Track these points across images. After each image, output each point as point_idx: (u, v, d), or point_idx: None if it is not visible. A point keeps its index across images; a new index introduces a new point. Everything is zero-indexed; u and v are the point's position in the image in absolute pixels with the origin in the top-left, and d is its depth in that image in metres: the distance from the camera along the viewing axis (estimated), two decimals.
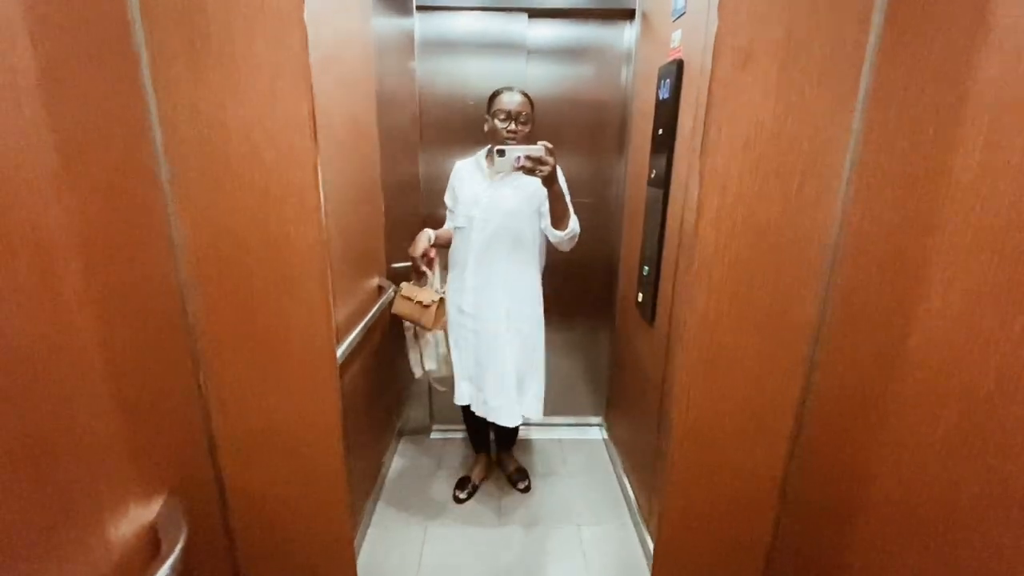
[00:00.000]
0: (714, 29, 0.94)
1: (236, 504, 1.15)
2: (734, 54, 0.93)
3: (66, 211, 0.73)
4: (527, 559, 2.07)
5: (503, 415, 2.05)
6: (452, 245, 2.17)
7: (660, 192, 1.96)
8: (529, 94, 2.00)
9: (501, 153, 1.64)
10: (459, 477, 2.46)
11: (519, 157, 1.63)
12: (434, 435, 2.94)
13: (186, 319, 1.01)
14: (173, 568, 0.82)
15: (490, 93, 2.02)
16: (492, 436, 2.53)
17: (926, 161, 0.87)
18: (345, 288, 1.86)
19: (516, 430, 2.43)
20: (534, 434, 2.95)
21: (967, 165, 0.82)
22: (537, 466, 2.66)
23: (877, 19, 0.93)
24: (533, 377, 2.14)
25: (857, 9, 0.93)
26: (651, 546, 2.00)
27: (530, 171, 1.66)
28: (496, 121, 1.94)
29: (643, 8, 2.33)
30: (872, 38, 0.94)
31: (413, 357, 2.31)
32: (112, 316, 0.81)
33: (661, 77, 1.98)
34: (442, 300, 2.10)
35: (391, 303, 2.30)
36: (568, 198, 1.95)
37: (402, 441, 2.89)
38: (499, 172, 1.86)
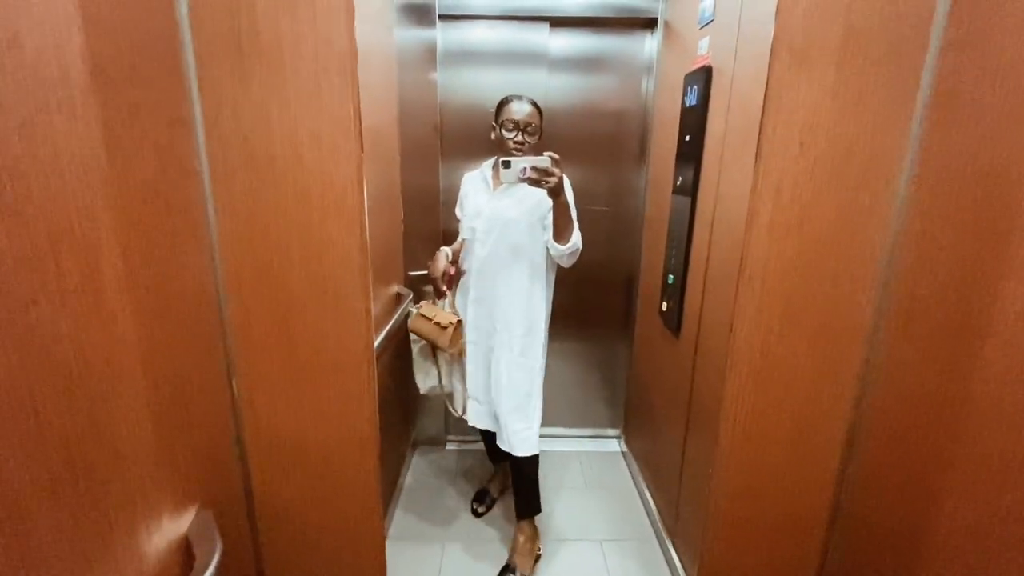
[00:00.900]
0: (763, 32, 0.92)
1: (265, 516, 1.11)
2: (790, 55, 0.91)
3: (110, 210, 0.71)
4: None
5: (504, 441, 1.98)
6: (460, 258, 2.12)
7: (687, 200, 1.93)
8: (539, 104, 1.94)
9: (507, 164, 1.61)
10: (477, 490, 2.40)
11: (525, 168, 1.59)
12: (449, 446, 2.90)
13: (222, 324, 0.99)
14: None
15: (499, 100, 1.97)
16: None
17: (998, 162, 0.84)
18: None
19: (532, 488, 2.08)
20: (550, 446, 2.89)
21: None
22: (554, 479, 2.61)
23: (941, 12, 0.91)
24: (525, 407, 1.98)
25: (918, 4, 0.91)
26: (677, 563, 1.95)
27: (536, 183, 1.62)
28: (503, 131, 1.89)
29: (666, 17, 2.33)
30: (935, 34, 0.91)
31: (419, 372, 2.22)
32: (151, 320, 0.79)
33: (688, 84, 1.96)
34: (460, 322, 2.02)
35: (407, 315, 2.27)
36: (574, 212, 1.88)
37: (417, 452, 2.85)
38: (504, 183, 1.82)
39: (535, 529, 2.12)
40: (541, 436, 2.42)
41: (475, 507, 2.31)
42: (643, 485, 2.51)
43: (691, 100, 1.93)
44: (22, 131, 0.58)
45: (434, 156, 2.56)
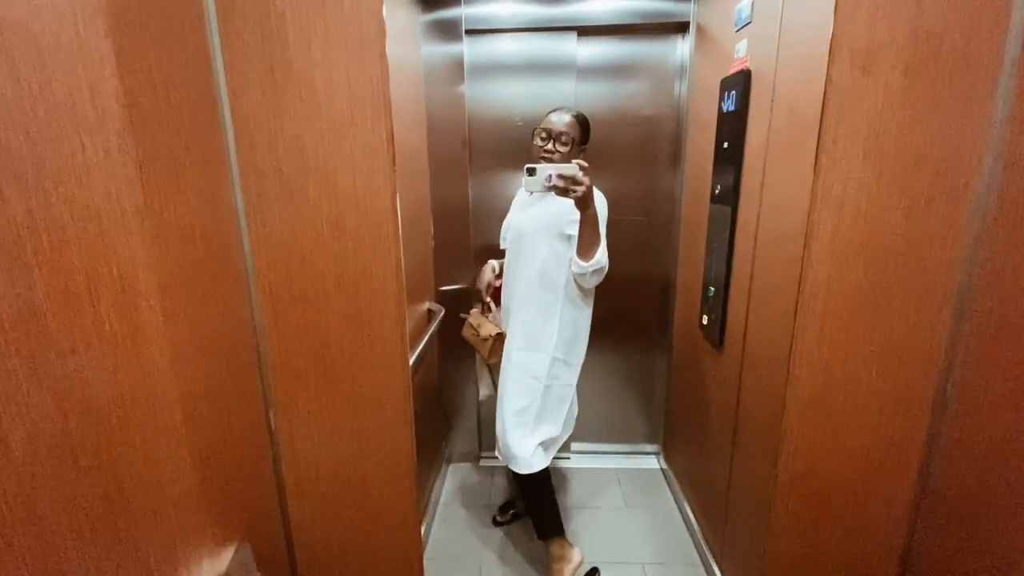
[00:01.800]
0: (818, 34, 0.85)
1: (304, 550, 1.09)
2: (853, 57, 0.84)
3: (148, 252, 0.70)
4: None
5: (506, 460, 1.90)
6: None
7: (727, 209, 1.85)
8: (583, 115, 1.88)
9: (531, 172, 1.55)
10: (503, 501, 2.38)
11: (550, 176, 1.53)
12: (483, 462, 2.85)
13: (259, 358, 0.97)
14: None
15: (544, 113, 1.90)
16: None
17: None
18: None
19: (526, 490, 1.99)
20: (585, 463, 2.82)
21: None
22: (592, 497, 2.53)
23: (1020, 6, 0.82)
24: (519, 423, 1.87)
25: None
26: None
27: (563, 191, 1.55)
28: (537, 139, 1.84)
29: (699, 20, 2.26)
30: (1014, 28, 0.83)
31: (480, 380, 2.25)
32: (190, 361, 0.78)
33: (725, 89, 1.89)
34: (500, 335, 1.98)
35: (439, 327, 2.26)
36: (603, 227, 1.77)
37: (451, 468, 2.82)
38: (529, 191, 1.70)
39: (563, 548, 1.99)
40: (576, 452, 2.34)
41: (496, 516, 2.30)
42: (686, 505, 2.41)
43: (728, 106, 1.85)
44: (58, 176, 0.57)
45: (463, 170, 2.54)
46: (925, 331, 0.97)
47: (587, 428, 2.73)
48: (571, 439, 2.50)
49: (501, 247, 2.06)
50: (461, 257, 2.64)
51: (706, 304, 2.07)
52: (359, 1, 0.83)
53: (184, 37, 0.78)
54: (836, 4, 0.84)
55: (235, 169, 0.88)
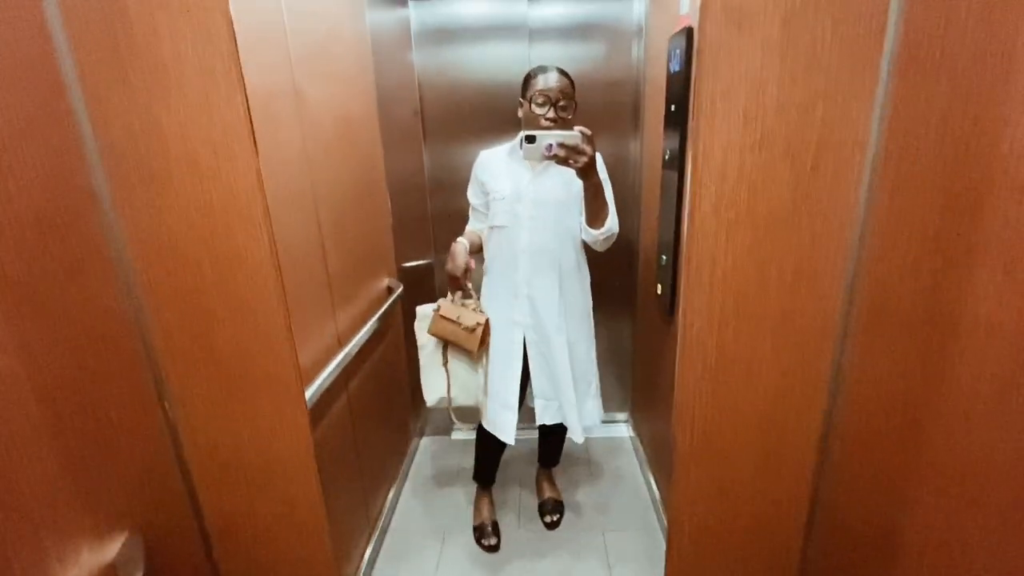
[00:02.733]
0: None
1: (217, 533, 1.10)
2: (726, 13, 0.78)
3: None
4: (548, 567, 1.99)
5: (573, 430, 1.90)
6: (489, 248, 1.91)
7: (675, 175, 1.80)
8: (564, 70, 1.72)
9: (530, 140, 1.41)
10: (474, 526, 2.16)
11: (551, 145, 1.39)
12: (455, 435, 2.89)
13: (145, 345, 0.96)
14: None
15: (526, 74, 1.76)
16: (538, 450, 2.34)
17: (977, 122, 0.70)
18: (348, 291, 1.80)
19: (561, 445, 2.29)
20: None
21: None
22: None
23: None
24: (592, 386, 1.99)
25: None
26: None
27: (563, 161, 1.43)
28: (533, 107, 1.67)
29: None
30: None
31: (426, 382, 1.95)
32: (45, 356, 0.76)
33: (672, 48, 1.81)
34: (488, 323, 1.80)
35: (405, 303, 2.22)
36: (609, 192, 1.71)
37: (423, 442, 2.85)
38: (528, 160, 1.62)
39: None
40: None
41: (484, 543, 2.07)
42: (649, 473, 2.44)
43: (675, 66, 1.77)
44: None
45: (417, 141, 2.48)
46: (818, 303, 0.94)
47: None
48: None
49: (493, 224, 1.85)
50: (421, 230, 2.60)
51: (660, 273, 2.04)
52: None
53: (16, 8, 0.73)
54: None
55: (93, 152, 0.85)
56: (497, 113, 2.38)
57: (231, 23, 0.78)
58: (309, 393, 1.17)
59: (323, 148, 1.62)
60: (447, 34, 2.35)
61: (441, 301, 1.88)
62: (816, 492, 1.05)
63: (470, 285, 1.86)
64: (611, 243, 1.78)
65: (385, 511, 2.20)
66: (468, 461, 2.49)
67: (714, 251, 0.89)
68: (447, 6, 2.32)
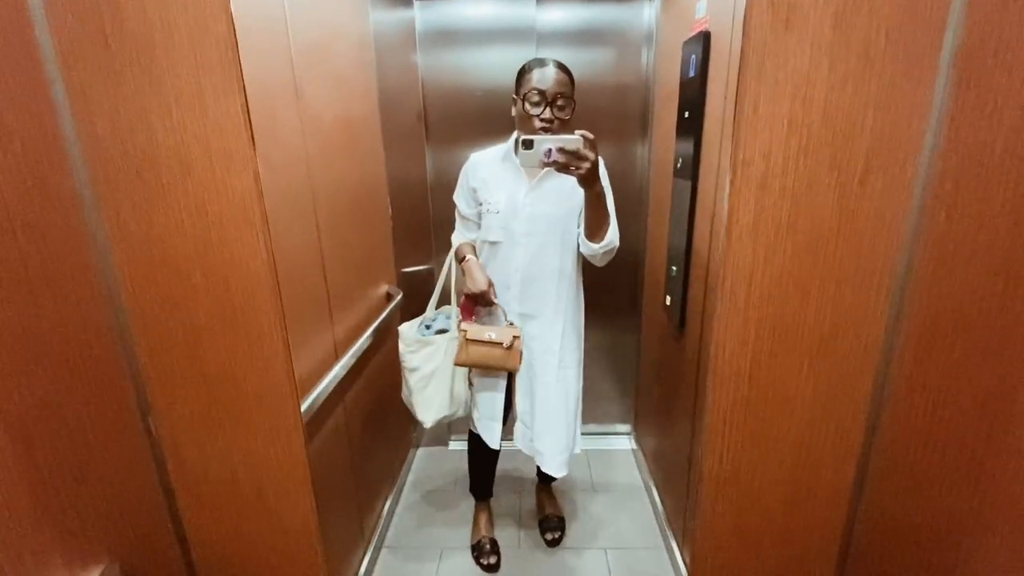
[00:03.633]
0: None
1: (202, 560, 1.02)
2: (773, 11, 0.72)
3: None
4: None
5: (551, 462, 1.75)
6: (480, 261, 1.76)
7: (688, 184, 1.74)
8: (564, 64, 1.56)
9: (528, 145, 1.28)
10: (471, 544, 2.07)
11: (550, 150, 1.26)
12: (452, 446, 2.81)
13: (129, 362, 0.88)
14: None
15: (520, 67, 1.60)
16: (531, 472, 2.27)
17: None
18: (346, 297, 1.73)
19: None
20: None
21: None
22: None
23: None
24: (576, 415, 1.85)
25: None
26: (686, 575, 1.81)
27: (563, 167, 1.29)
28: (526, 105, 1.51)
29: None
30: None
31: (420, 404, 1.82)
32: (13, 372, 0.68)
33: (686, 53, 1.75)
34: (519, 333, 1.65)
35: (403, 310, 2.14)
36: (611, 203, 1.56)
37: (419, 453, 2.77)
38: (525, 167, 1.48)
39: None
40: None
41: (483, 562, 1.97)
42: (653, 487, 2.37)
43: (690, 71, 1.72)
44: None
45: (420, 144, 2.41)
46: (861, 322, 0.87)
47: None
48: None
49: (486, 239, 1.71)
50: (422, 235, 2.53)
51: (670, 284, 1.98)
52: None
53: None
54: None
55: (76, 151, 0.77)
56: (503, 117, 2.30)
57: (230, 14, 0.71)
58: (304, 407, 1.09)
59: (323, 149, 1.55)
60: (453, 36, 2.29)
61: (464, 325, 1.68)
62: (850, 535, 0.98)
63: (495, 300, 1.70)
64: (611, 258, 1.63)
65: (380, 525, 2.12)
66: (465, 472, 2.40)
67: (751, 270, 0.82)
68: (453, 7, 2.26)
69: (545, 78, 1.51)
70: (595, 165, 1.32)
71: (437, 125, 2.40)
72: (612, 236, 1.55)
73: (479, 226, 1.78)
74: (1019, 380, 0.71)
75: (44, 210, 0.73)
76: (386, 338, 2.20)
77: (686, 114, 1.77)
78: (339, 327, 1.66)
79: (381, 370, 2.14)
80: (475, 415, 1.86)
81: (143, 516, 0.92)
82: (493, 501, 2.23)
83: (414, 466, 2.65)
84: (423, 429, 2.79)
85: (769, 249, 0.82)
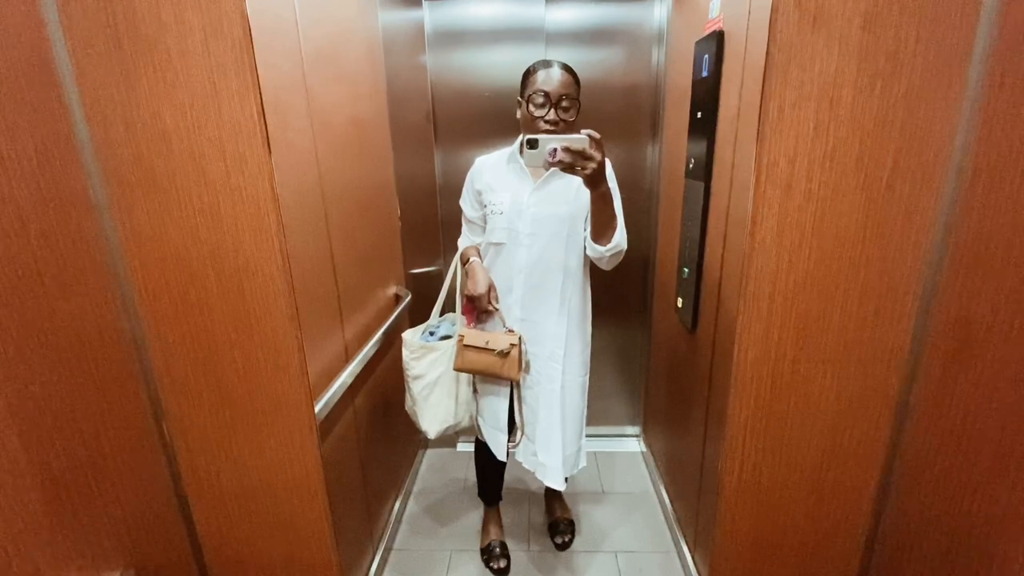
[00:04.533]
0: None
1: (215, 565, 1.02)
2: (800, 10, 0.70)
3: None
4: None
5: (552, 475, 1.70)
6: (484, 264, 1.73)
7: (700, 185, 1.72)
8: (569, 65, 1.54)
9: (532, 144, 1.27)
10: (481, 548, 2.04)
11: (555, 149, 1.25)
12: (460, 447, 2.80)
13: (143, 368, 0.87)
14: None
15: (525, 69, 1.58)
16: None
17: None
18: (356, 300, 1.72)
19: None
20: None
21: None
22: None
23: None
24: (580, 427, 1.81)
25: None
26: None
27: (569, 167, 1.28)
28: (531, 107, 1.50)
29: None
30: None
31: (424, 414, 1.79)
32: (24, 375, 0.68)
33: (699, 53, 1.73)
34: (521, 339, 1.61)
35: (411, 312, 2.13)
36: (619, 204, 1.53)
37: (427, 454, 2.76)
38: (530, 167, 1.46)
39: None
40: None
41: (492, 566, 1.94)
42: (662, 490, 2.35)
43: (703, 71, 1.70)
44: None
45: (429, 145, 2.40)
46: (886, 329, 0.85)
47: None
48: None
49: (490, 240, 1.68)
50: (430, 237, 2.53)
51: (681, 286, 1.95)
52: None
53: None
54: None
55: (88, 152, 0.77)
56: (512, 118, 2.30)
57: (246, 16, 0.70)
58: (315, 410, 1.09)
59: (334, 151, 1.54)
60: (462, 36, 2.28)
61: (463, 330, 1.68)
62: (873, 543, 0.96)
63: (497, 306, 1.68)
64: (618, 260, 1.60)
65: (388, 528, 2.11)
66: (473, 474, 2.39)
67: (775, 275, 0.81)
68: (462, 8, 2.25)
69: (550, 79, 1.50)
70: (601, 165, 1.30)
71: (446, 125, 2.39)
72: (619, 238, 1.52)
73: (484, 229, 1.76)
74: None
75: (58, 216, 0.72)
76: (395, 340, 2.19)
77: (698, 115, 1.74)
78: (349, 330, 1.66)
79: (389, 371, 2.13)
80: (480, 423, 1.84)
81: (157, 522, 0.92)
82: (502, 504, 2.22)
83: (422, 468, 2.65)
84: None
85: (793, 254, 0.80)
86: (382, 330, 1.91)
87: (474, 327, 1.72)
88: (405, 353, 1.79)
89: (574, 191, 1.59)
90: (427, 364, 1.79)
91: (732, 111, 1.49)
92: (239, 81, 0.73)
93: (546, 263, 1.63)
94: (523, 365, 1.63)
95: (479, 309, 1.69)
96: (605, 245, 1.51)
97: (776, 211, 0.79)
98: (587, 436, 2.77)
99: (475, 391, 1.84)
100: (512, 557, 2.02)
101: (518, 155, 1.65)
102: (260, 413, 0.90)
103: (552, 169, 1.36)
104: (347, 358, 1.63)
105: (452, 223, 2.50)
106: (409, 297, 2.25)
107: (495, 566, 1.96)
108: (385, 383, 2.08)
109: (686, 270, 1.89)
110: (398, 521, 2.22)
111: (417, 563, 2.02)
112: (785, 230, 0.80)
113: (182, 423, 0.92)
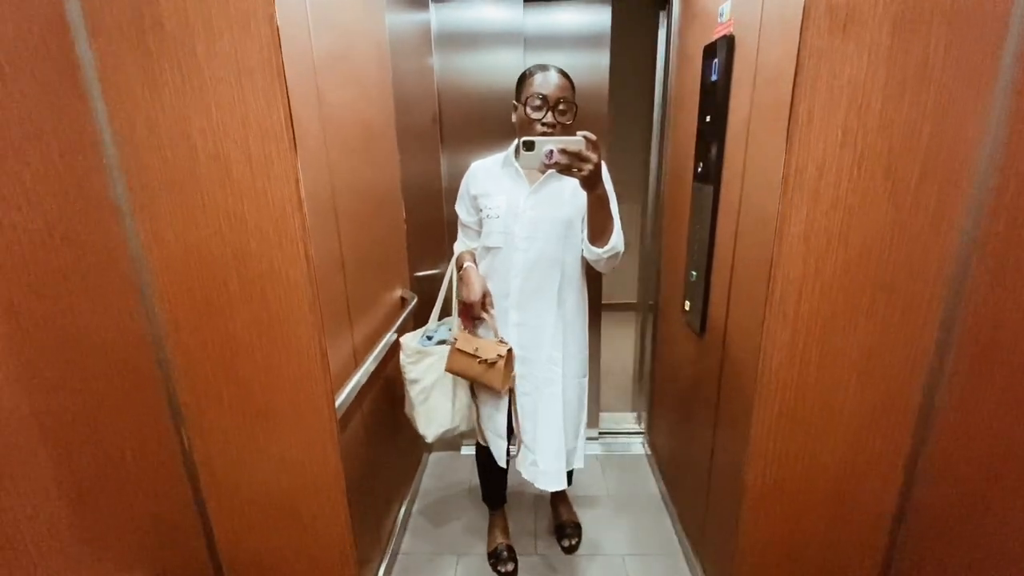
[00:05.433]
0: None
1: (233, 572, 1.01)
2: (830, 15, 0.71)
3: None
4: None
5: (554, 479, 1.69)
6: (480, 270, 1.73)
7: (710, 188, 1.72)
8: (569, 74, 1.57)
9: (529, 146, 1.27)
10: (488, 551, 2.04)
11: (551, 151, 1.25)
12: (464, 450, 2.79)
13: (164, 372, 0.87)
14: None
15: (520, 73, 1.60)
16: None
17: None
18: (364, 303, 1.71)
19: (571, 472, 2.10)
20: None
21: None
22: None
23: None
24: (581, 426, 1.82)
25: None
26: None
27: (565, 169, 1.28)
28: (528, 110, 1.51)
29: None
30: None
31: (421, 417, 1.80)
32: (50, 378, 0.67)
33: (708, 57, 1.74)
34: (511, 352, 1.61)
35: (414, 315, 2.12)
36: (615, 206, 1.54)
37: (431, 458, 2.75)
38: (527, 169, 1.46)
39: None
40: None
41: (500, 569, 1.94)
42: (667, 493, 2.35)
43: (713, 75, 1.70)
44: None
45: (435, 146, 2.40)
46: (911, 336, 0.85)
47: None
48: None
49: (486, 244, 1.68)
50: (435, 240, 2.52)
51: (689, 289, 1.96)
52: None
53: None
54: None
55: (112, 155, 0.76)
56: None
57: (274, 17, 0.70)
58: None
59: (343, 153, 1.53)
60: (469, 38, 2.28)
61: (457, 333, 1.70)
62: (893, 547, 0.96)
63: (493, 313, 1.67)
64: (615, 263, 1.60)
65: (396, 532, 2.10)
66: (477, 478, 2.39)
67: (801, 281, 0.81)
68: (471, 9, 2.25)
69: (547, 83, 1.52)
70: (598, 167, 1.30)
71: (452, 128, 2.39)
72: (616, 240, 1.53)
73: (479, 234, 1.77)
74: None
75: (83, 219, 0.71)
76: (397, 343, 2.19)
77: (707, 118, 1.75)
78: (358, 333, 1.65)
79: (396, 375, 2.12)
80: (482, 428, 1.84)
81: (175, 527, 0.91)
82: (507, 508, 2.21)
83: (427, 472, 2.64)
84: None
85: (820, 260, 0.80)
86: (391, 332, 1.90)
87: (469, 332, 1.72)
88: (402, 357, 1.80)
89: (570, 193, 1.60)
90: (423, 368, 1.79)
91: (743, 115, 1.49)
92: (266, 83, 0.72)
93: (543, 266, 1.63)
94: (508, 378, 1.62)
95: (473, 315, 1.69)
96: (602, 247, 1.52)
97: (803, 217, 0.79)
98: (591, 439, 2.79)
99: (474, 396, 1.84)
100: (519, 561, 2.01)
101: (513, 158, 1.66)
102: (280, 417, 0.89)
103: (548, 172, 1.37)
104: (356, 362, 1.62)
105: (457, 226, 2.50)
106: (415, 300, 2.24)
107: (503, 569, 1.96)
108: (391, 387, 2.07)
109: (694, 273, 1.89)
110: (404, 525, 2.21)
111: (424, 567, 2.01)
112: (812, 236, 0.80)
113: (201, 427, 0.91)
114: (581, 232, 1.62)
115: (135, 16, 0.70)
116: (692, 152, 1.90)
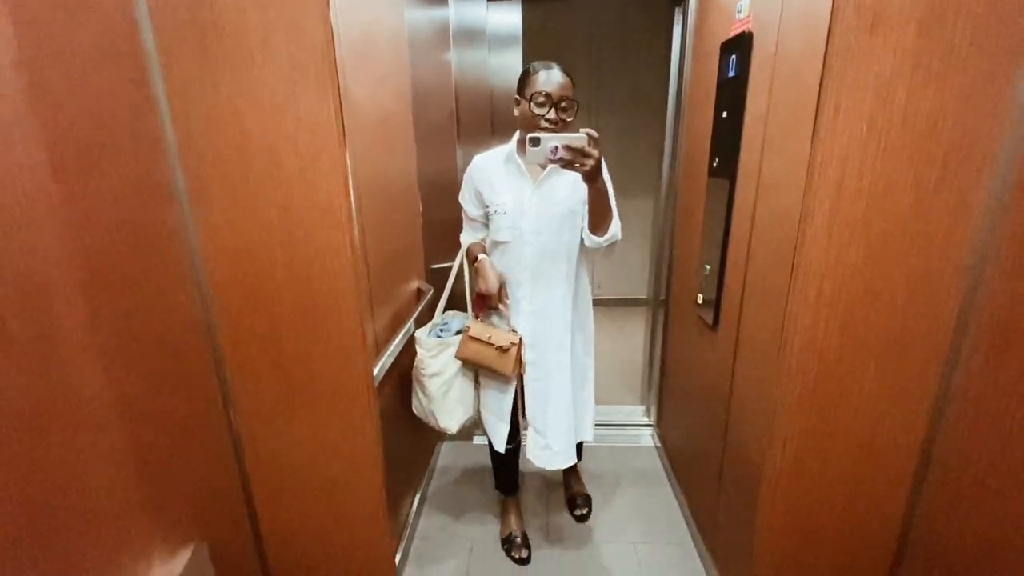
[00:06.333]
0: None
1: (273, 547, 1.05)
2: (859, 15, 0.74)
3: (65, 242, 0.63)
4: None
5: (564, 458, 1.80)
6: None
7: (726, 183, 1.75)
8: (570, 74, 1.63)
9: (535, 142, 1.34)
10: (502, 537, 2.09)
11: (556, 147, 1.33)
12: (476, 440, 2.84)
13: (215, 355, 0.91)
14: None
15: (522, 71, 1.66)
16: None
17: None
18: (383, 295, 1.75)
19: (581, 447, 2.20)
20: None
21: None
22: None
23: None
24: (589, 402, 1.92)
25: None
26: (715, 570, 1.84)
27: (568, 164, 1.36)
28: (532, 106, 1.58)
29: None
30: None
31: (441, 410, 1.85)
32: (122, 358, 0.71)
33: (725, 53, 1.76)
34: (521, 340, 1.71)
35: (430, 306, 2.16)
36: (612, 197, 1.64)
37: (444, 447, 2.80)
38: (531, 164, 1.54)
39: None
40: None
41: (514, 555, 1.99)
42: (676, 483, 2.39)
43: (730, 71, 1.73)
44: None
45: (451, 140, 2.44)
46: (929, 322, 0.89)
47: None
48: None
49: (495, 239, 1.75)
50: (451, 232, 2.56)
51: (702, 282, 1.99)
52: None
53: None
54: None
55: (172, 147, 0.80)
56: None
57: (328, 17, 0.74)
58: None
59: (365, 147, 1.57)
60: (488, 35, 2.30)
61: (470, 321, 1.79)
62: (907, 532, 0.99)
63: (508, 303, 1.75)
64: (614, 251, 1.71)
65: (411, 518, 2.15)
66: (490, 466, 2.44)
67: (823, 270, 0.84)
68: (489, 6, 2.27)
69: (551, 81, 1.58)
70: (599, 162, 1.39)
71: (469, 122, 2.42)
72: (615, 229, 1.64)
73: (486, 226, 1.84)
74: None
75: (145, 207, 0.75)
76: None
77: (724, 114, 1.78)
78: (379, 322, 1.69)
79: (410, 364, 2.17)
80: (483, 413, 1.92)
81: (221, 502, 0.96)
82: (520, 494, 2.26)
83: (440, 460, 2.69)
84: None
85: (842, 250, 0.84)
86: (411, 320, 1.94)
87: (482, 320, 1.81)
88: (421, 352, 1.84)
89: (571, 186, 1.68)
90: (444, 360, 1.84)
91: (760, 110, 1.52)
92: (318, 80, 0.76)
93: (551, 257, 1.72)
94: (518, 364, 1.72)
95: (490, 306, 1.77)
96: (602, 235, 1.62)
97: (827, 208, 0.82)
98: (601, 430, 2.83)
99: (477, 383, 1.91)
100: (534, 549, 2.06)
101: (515, 154, 1.72)
102: (321, 400, 0.94)
103: (550, 167, 1.43)
104: (377, 351, 1.67)
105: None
106: (431, 291, 2.28)
107: (517, 555, 2.01)
108: (406, 376, 2.12)
109: (708, 267, 1.93)
110: (419, 511, 2.26)
111: (439, 551, 2.06)
112: (835, 226, 0.83)
113: (246, 408, 0.96)
114: (582, 222, 1.70)
115: (195, 13, 0.74)
116: (707, 147, 1.93)
